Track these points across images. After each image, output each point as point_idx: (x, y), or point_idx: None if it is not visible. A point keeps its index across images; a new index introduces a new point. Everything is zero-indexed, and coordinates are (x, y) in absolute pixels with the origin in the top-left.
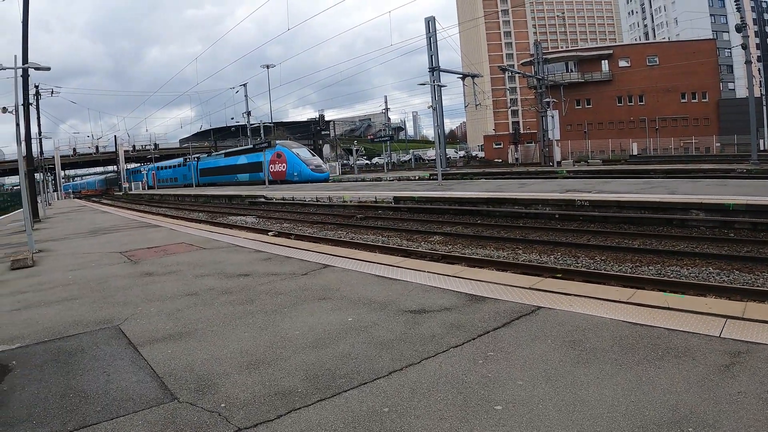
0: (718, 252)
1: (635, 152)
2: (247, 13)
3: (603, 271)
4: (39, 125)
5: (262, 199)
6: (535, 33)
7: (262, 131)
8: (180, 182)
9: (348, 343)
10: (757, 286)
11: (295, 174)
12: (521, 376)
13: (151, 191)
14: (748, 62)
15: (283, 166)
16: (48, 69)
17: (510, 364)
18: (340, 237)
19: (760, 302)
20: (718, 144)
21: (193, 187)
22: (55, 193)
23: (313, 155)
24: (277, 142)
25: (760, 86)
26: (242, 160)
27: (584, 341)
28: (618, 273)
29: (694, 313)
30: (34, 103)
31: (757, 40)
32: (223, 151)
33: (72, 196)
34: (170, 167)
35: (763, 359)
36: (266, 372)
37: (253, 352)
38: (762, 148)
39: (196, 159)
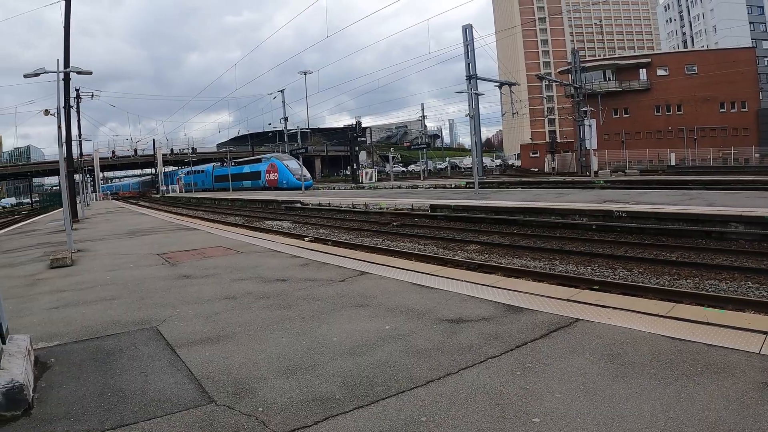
0: (758, 266)
1: (673, 162)
2: (285, 20)
3: (641, 284)
4: (79, 127)
5: (299, 205)
6: (572, 41)
7: (299, 137)
8: (199, 187)
9: (386, 350)
10: None
11: (284, 182)
12: (559, 389)
13: (188, 194)
14: None
15: (275, 175)
16: (90, 73)
17: (548, 376)
18: (377, 244)
19: None
20: (758, 155)
21: (209, 191)
22: (94, 194)
23: (300, 166)
24: (272, 154)
25: None
26: (246, 169)
27: (623, 355)
28: (656, 286)
29: (734, 329)
30: (75, 106)
31: None
32: (234, 160)
33: (110, 197)
34: (192, 173)
35: None
36: (304, 377)
37: (291, 357)
38: None
39: (212, 167)
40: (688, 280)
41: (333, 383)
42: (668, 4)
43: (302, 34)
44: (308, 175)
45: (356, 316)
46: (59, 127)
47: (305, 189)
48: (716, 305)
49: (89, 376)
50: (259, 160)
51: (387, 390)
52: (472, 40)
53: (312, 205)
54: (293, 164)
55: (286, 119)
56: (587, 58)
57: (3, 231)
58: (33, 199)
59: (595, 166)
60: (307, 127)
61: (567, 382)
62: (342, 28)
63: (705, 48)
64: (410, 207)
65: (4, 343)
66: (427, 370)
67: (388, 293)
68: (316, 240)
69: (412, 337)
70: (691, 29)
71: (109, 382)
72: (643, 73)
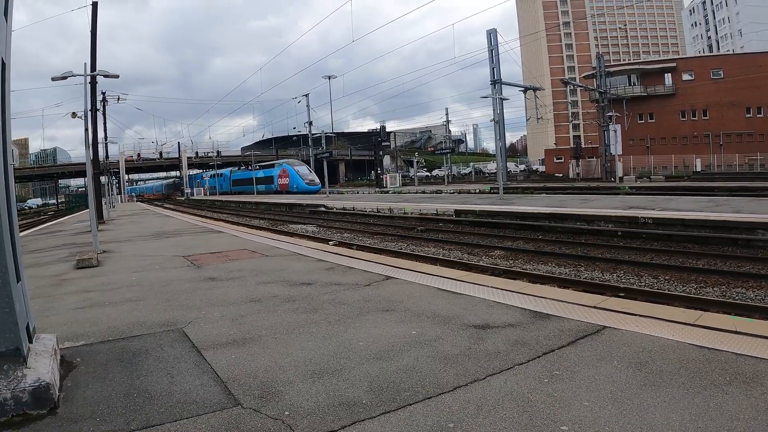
0: None
1: (698, 168)
2: (309, 24)
3: (667, 292)
4: (105, 130)
5: (323, 209)
6: (597, 45)
7: (323, 141)
8: (218, 190)
9: (412, 356)
10: None
11: (294, 186)
12: (587, 397)
13: (212, 197)
14: None
15: (287, 180)
16: (117, 77)
17: (576, 384)
18: (401, 249)
19: None
20: None
21: (226, 194)
22: (119, 196)
23: (310, 171)
24: (284, 160)
25: None
26: (260, 174)
27: (650, 363)
28: (682, 294)
29: (763, 338)
30: (101, 109)
31: None
32: (257, 164)
33: (135, 199)
34: (212, 176)
35: None
36: (330, 382)
37: (317, 361)
38: None
39: (230, 171)
40: (714, 288)
41: (360, 388)
42: (693, 8)
43: (326, 38)
44: (317, 180)
45: (382, 320)
46: (86, 130)
47: (314, 193)
48: (743, 314)
49: (115, 377)
50: (272, 166)
51: (414, 395)
52: (497, 44)
53: (336, 209)
54: (303, 170)
55: (310, 123)
56: (612, 63)
57: (29, 231)
58: (59, 201)
59: (620, 172)
60: (331, 132)
61: (595, 389)
62: (367, 32)
63: (731, 52)
64: (435, 212)
65: (30, 342)
66: (454, 376)
67: (413, 298)
68: (340, 244)
69: (439, 342)
70: (717, 33)
71: (134, 383)
72: (668, 78)
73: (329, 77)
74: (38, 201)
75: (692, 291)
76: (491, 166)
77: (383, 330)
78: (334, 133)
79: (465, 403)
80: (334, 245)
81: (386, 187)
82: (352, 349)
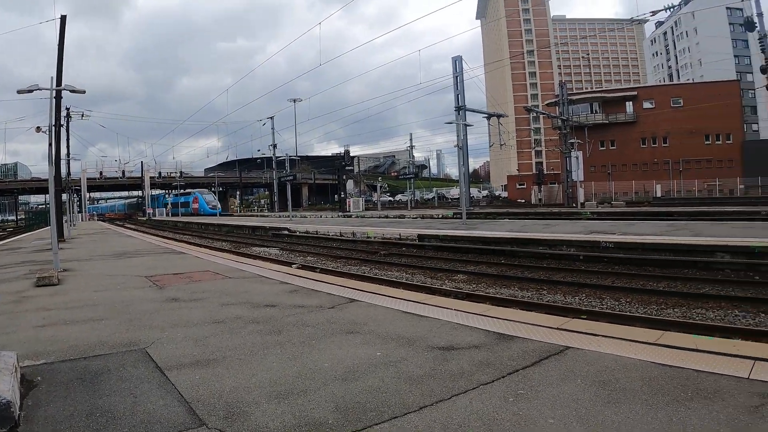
0: (744, 295)
1: (659, 194)
2: (278, 48)
3: (628, 313)
4: (68, 146)
5: (286, 232)
6: (560, 74)
7: (287, 164)
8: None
9: (377, 377)
10: None
11: (202, 210)
12: (552, 415)
13: (174, 218)
14: None
15: (197, 205)
16: (83, 92)
17: (541, 402)
18: (365, 272)
19: None
20: (742, 186)
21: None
22: (80, 214)
23: (214, 198)
24: (197, 190)
25: None
26: (182, 199)
27: (614, 381)
28: (644, 315)
29: (723, 355)
30: (65, 125)
31: None
32: (176, 192)
33: (96, 218)
34: (155, 199)
35: None
36: (296, 402)
37: (283, 381)
38: None
39: (163, 195)
40: (675, 309)
41: (326, 408)
42: (654, 38)
43: (294, 62)
44: (218, 205)
45: (347, 342)
46: (50, 145)
47: (214, 215)
48: (704, 333)
49: (77, 396)
50: (189, 194)
51: (380, 415)
52: (462, 71)
53: (299, 232)
54: (209, 197)
55: (274, 146)
56: (574, 91)
57: None
58: (18, 217)
59: (581, 198)
60: (295, 155)
61: (560, 408)
62: (334, 57)
63: (691, 81)
64: (398, 236)
65: None
66: (420, 396)
67: (377, 321)
68: (303, 267)
69: (404, 363)
70: (677, 63)
71: (97, 403)
72: (629, 106)
73: (294, 100)
74: None
75: (653, 312)
76: (454, 192)
77: (348, 351)
78: (299, 156)
79: (431, 422)
80: (298, 268)
81: (349, 211)
82: (318, 371)
